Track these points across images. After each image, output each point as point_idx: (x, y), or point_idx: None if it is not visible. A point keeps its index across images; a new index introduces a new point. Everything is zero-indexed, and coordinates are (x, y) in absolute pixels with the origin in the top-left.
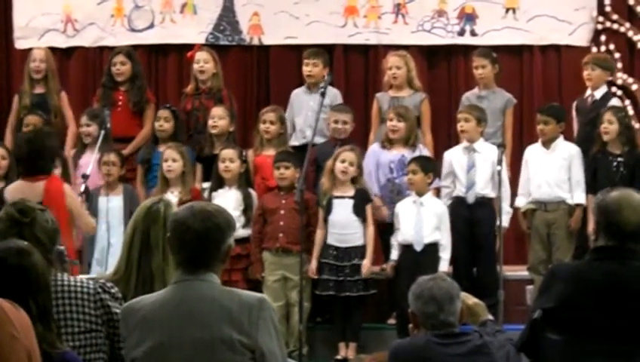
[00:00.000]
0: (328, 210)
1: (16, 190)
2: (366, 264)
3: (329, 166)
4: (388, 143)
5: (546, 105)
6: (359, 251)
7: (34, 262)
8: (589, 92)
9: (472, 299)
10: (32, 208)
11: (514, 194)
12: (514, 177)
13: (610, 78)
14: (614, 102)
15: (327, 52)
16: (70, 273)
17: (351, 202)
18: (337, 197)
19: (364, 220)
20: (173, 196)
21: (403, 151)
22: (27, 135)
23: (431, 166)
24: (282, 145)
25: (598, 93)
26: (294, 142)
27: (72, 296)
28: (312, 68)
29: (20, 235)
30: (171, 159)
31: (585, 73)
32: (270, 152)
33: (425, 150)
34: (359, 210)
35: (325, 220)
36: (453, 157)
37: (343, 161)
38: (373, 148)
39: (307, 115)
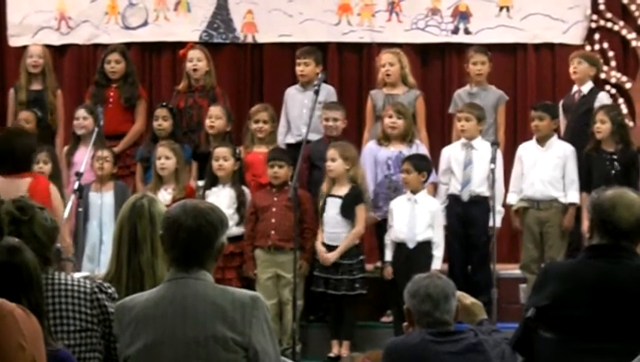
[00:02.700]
0: (323, 207)
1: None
2: (329, 256)
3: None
4: (385, 140)
5: (540, 102)
6: (348, 251)
7: (25, 259)
8: (575, 88)
9: (469, 299)
10: (31, 206)
11: (506, 191)
12: (506, 175)
13: (594, 74)
14: (602, 96)
15: (321, 50)
16: (67, 271)
17: (340, 202)
18: (331, 195)
19: (352, 221)
20: (166, 193)
21: (400, 147)
22: (5, 132)
23: (424, 164)
24: (273, 142)
25: (585, 88)
26: (290, 139)
27: (69, 295)
28: (303, 67)
29: (18, 233)
30: (164, 156)
31: (571, 68)
32: (261, 149)
33: (422, 147)
34: (347, 212)
35: (321, 217)
36: (452, 154)
37: (327, 160)
38: (370, 145)
39: (302, 112)
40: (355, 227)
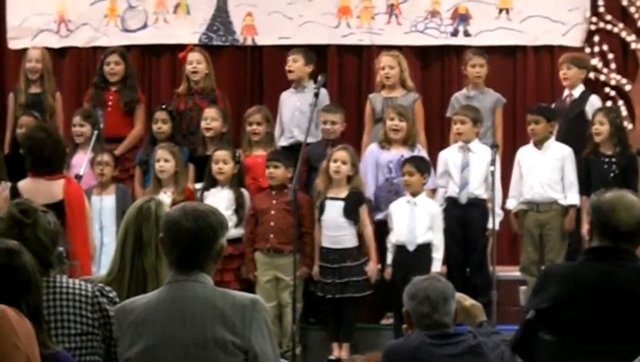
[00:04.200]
0: (321, 210)
1: (30, 188)
2: (372, 266)
3: (324, 167)
4: (386, 143)
5: (535, 106)
6: (351, 253)
7: (23, 261)
8: (566, 92)
9: (469, 301)
10: (34, 209)
11: (505, 194)
12: (505, 177)
13: (584, 76)
14: (594, 99)
15: (321, 53)
16: (69, 275)
17: (342, 204)
18: (330, 198)
19: (355, 222)
20: (166, 196)
21: (402, 151)
22: (41, 132)
23: (425, 166)
24: (270, 143)
25: (577, 92)
26: (283, 142)
27: (70, 298)
28: (291, 63)
29: (21, 236)
30: (163, 159)
31: (561, 73)
32: (260, 152)
33: (423, 150)
34: (350, 213)
35: (319, 221)
36: (449, 156)
37: (336, 161)
38: (372, 148)
39: (294, 114)
40: (366, 229)
